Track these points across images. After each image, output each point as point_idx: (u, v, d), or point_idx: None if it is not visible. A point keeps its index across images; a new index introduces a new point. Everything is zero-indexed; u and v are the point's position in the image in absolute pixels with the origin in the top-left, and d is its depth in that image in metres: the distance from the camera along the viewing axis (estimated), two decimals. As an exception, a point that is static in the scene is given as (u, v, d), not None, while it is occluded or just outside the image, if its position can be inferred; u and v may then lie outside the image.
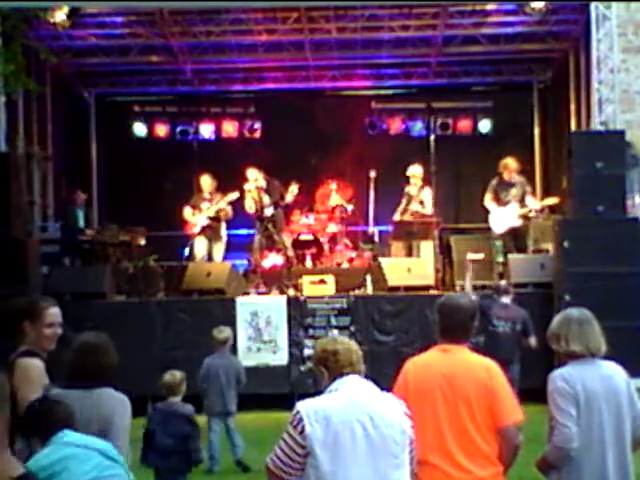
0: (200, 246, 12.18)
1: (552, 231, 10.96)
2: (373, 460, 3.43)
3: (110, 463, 3.31)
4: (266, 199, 12.03)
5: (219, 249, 12.28)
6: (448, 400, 3.90)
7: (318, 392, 3.62)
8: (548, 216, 12.11)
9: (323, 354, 3.62)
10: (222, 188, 12.33)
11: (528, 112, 15.29)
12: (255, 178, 12.08)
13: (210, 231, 12.19)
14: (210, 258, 12.15)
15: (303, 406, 3.46)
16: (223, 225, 12.34)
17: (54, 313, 4.39)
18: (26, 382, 4.06)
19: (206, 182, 12.38)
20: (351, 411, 3.45)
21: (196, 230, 12.19)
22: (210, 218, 12.15)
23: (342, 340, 3.74)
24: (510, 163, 11.75)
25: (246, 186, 12.13)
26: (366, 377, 3.64)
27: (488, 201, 11.80)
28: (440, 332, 4.08)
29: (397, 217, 12.41)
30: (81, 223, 12.19)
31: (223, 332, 8.32)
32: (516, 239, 11.74)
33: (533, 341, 8.47)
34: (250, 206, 12.09)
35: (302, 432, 3.39)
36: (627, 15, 12.63)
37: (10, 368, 4.16)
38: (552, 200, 11.85)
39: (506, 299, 8.85)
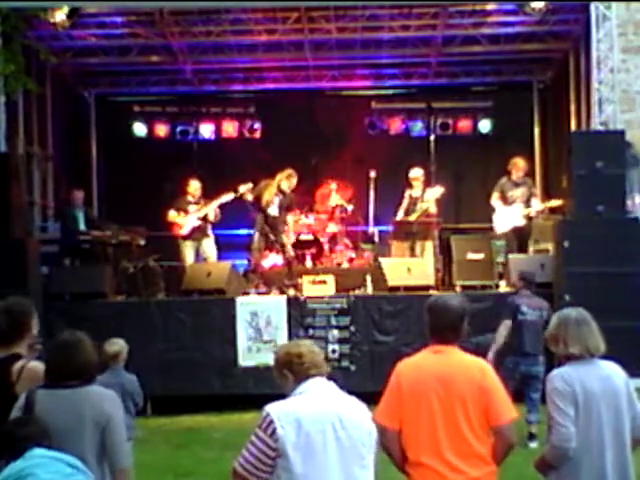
0: (188, 252, 12.13)
1: (552, 231, 10.97)
2: (343, 461, 3.45)
3: (73, 471, 3.43)
4: (278, 202, 11.91)
5: (208, 244, 12.21)
6: (443, 401, 3.89)
7: (283, 396, 3.60)
8: (548, 216, 12.13)
9: (287, 357, 3.62)
10: (221, 188, 12.30)
11: (528, 112, 15.28)
12: (289, 186, 11.82)
13: (198, 232, 12.16)
14: (199, 257, 12.12)
15: (273, 408, 3.46)
16: (209, 225, 12.30)
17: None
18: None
19: (195, 186, 12.31)
20: (321, 413, 3.47)
21: (185, 231, 12.10)
22: (199, 219, 12.12)
23: (305, 342, 3.76)
24: (519, 162, 11.90)
25: (243, 187, 11.89)
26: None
27: (494, 200, 11.87)
28: (430, 333, 4.07)
29: (400, 216, 12.38)
30: (81, 225, 12.14)
31: (114, 345, 6.61)
32: (519, 239, 11.79)
33: None
34: (247, 199, 11.92)
35: (273, 434, 3.39)
36: (627, 15, 12.64)
37: (8, 371, 4.15)
38: (556, 202, 11.88)
39: (527, 290, 8.84)
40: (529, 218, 11.83)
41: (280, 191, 11.81)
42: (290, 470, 3.38)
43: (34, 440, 3.50)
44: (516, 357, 8.46)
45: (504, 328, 8.57)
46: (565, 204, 11.18)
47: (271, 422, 3.41)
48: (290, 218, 12.65)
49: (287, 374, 3.60)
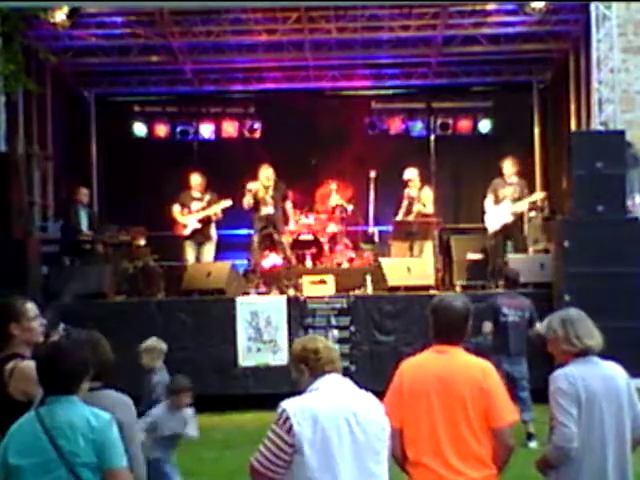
0: (189, 252, 12.13)
1: (552, 231, 10.98)
2: (358, 457, 3.48)
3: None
4: (269, 198, 11.92)
5: (209, 250, 12.20)
6: (443, 402, 3.90)
7: (298, 392, 3.61)
8: (546, 215, 12.14)
9: (304, 352, 3.64)
10: (222, 188, 12.30)
11: (528, 112, 15.27)
12: (268, 177, 11.94)
13: (200, 234, 12.15)
14: (198, 260, 12.11)
15: (289, 404, 3.47)
16: (212, 225, 12.30)
17: (32, 306, 4.37)
18: (34, 383, 4.05)
19: (196, 181, 12.29)
20: (337, 409, 3.48)
21: (187, 232, 12.11)
22: (200, 220, 12.11)
23: (321, 338, 3.79)
24: (507, 161, 11.99)
25: (252, 184, 11.95)
26: (345, 376, 3.66)
27: (488, 201, 11.89)
28: (434, 334, 4.07)
29: (400, 216, 12.39)
30: (84, 224, 12.13)
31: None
32: (508, 238, 11.81)
33: (538, 327, 8.43)
34: (249, 202, 11.93)
35: (290, 430, 3.41)
36: (627, 15, 12.65)
37: (1, 371, 4.12)
38: (538, 195, 11.93)
39: (510, 290, 8.83)
40: (517, 215, 11.87)
41: (265, 188, 11.83)
42: (307, 465, 3.40)
43: (67, 376, 3.41)
44: (499, 356, 8.45)
45: (486, 328, 8.57)
46: (547, 197, 11.55)
47: (287, 418, 3.42)
48: (289, 206, 12.57)
49: (304, 369, 3.62)
